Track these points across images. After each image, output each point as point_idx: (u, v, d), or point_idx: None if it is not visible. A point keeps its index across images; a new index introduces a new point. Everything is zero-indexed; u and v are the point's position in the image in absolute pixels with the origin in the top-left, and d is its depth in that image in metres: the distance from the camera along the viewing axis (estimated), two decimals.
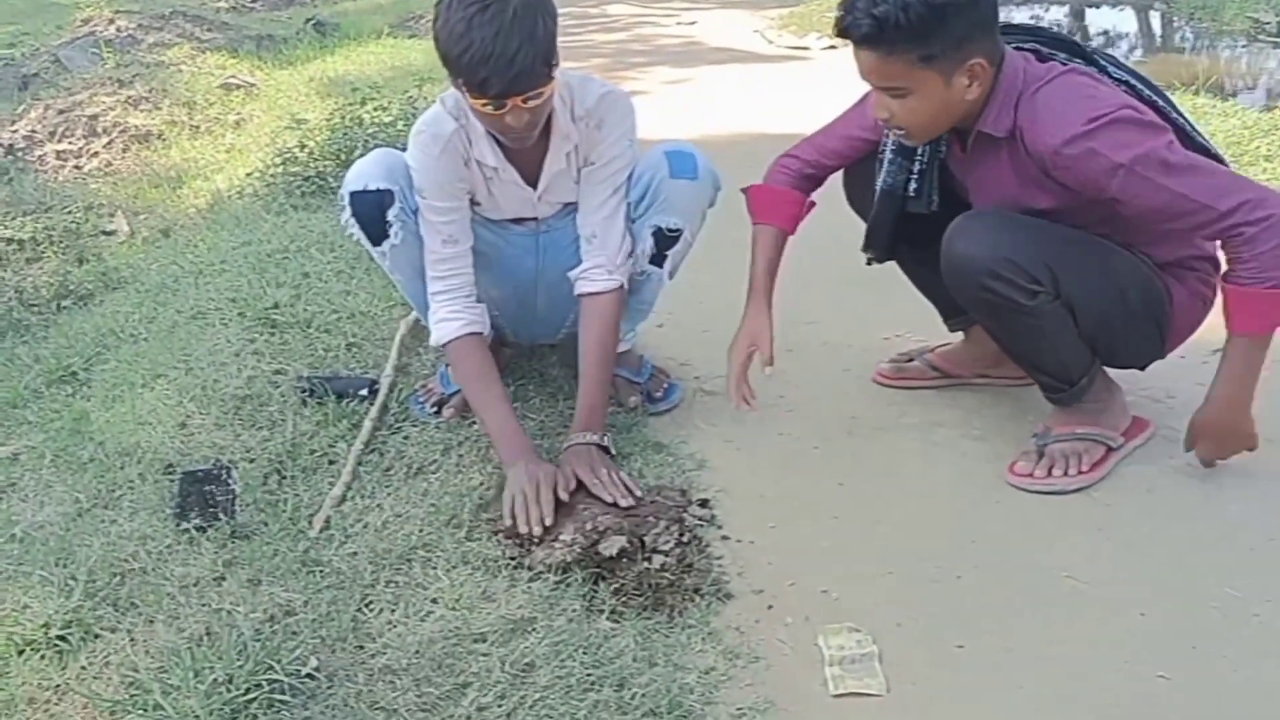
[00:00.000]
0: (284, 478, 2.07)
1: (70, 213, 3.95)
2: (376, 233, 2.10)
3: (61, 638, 1.65)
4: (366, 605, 1.74)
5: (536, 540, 1.84)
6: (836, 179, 2.21)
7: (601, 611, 1.71)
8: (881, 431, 2.25)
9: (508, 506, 1.90)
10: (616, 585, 1.76)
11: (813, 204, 2.17)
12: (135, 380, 2.45)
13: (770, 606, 1.75)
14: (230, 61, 6.39)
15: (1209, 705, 1.53)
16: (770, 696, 1.56)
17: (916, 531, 1.93)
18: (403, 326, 2.57)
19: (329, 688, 1.56)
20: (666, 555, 1.81)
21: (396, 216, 2.07)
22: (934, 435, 2.22)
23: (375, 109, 4.52)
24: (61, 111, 5.22)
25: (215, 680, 1.50)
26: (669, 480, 2.07)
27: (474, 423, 2.21)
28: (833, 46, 7.38)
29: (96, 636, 1.66)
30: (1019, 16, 8.19)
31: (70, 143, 5.00)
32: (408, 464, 2.11)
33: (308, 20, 8.09)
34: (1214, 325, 1.97)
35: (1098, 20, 8.64)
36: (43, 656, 1.62)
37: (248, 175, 4.22)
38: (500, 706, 1.52)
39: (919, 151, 2.00)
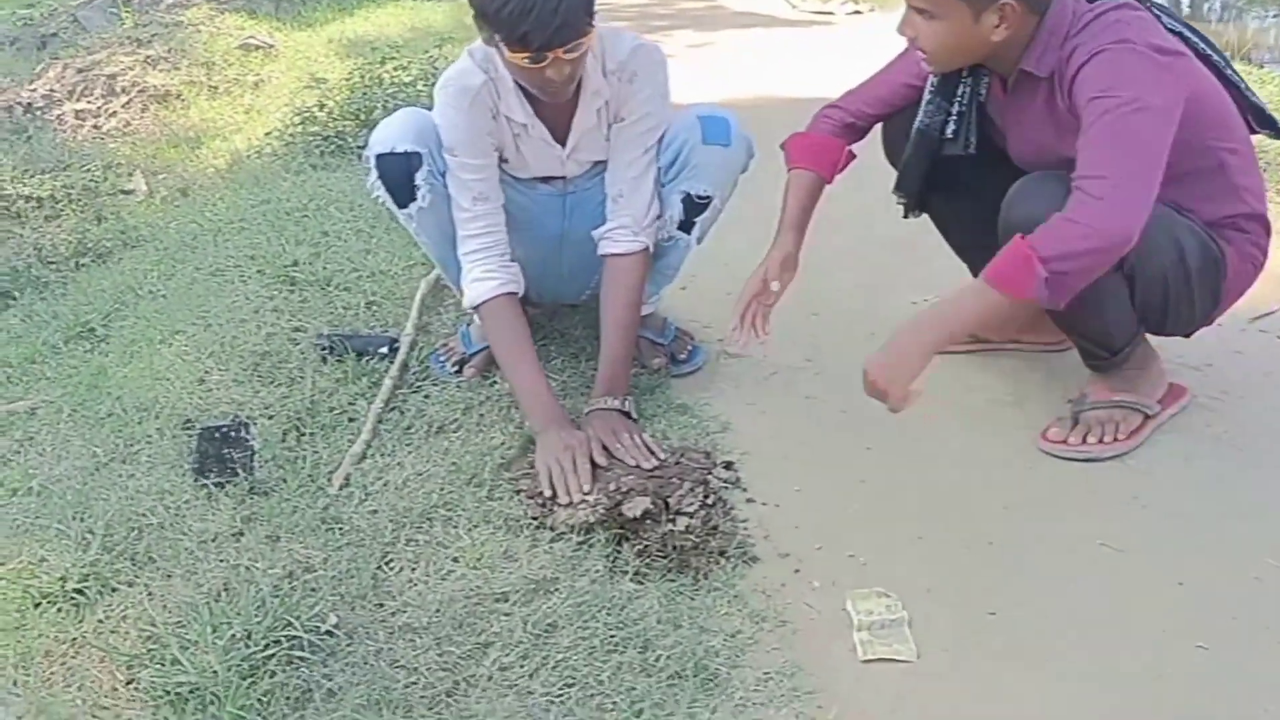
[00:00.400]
0: (303, 435, 2.04)
1: (89, 171, 3.91)
2: (403, 196, 2.05)
3: (79, 591, 1.63)
4: (387, 563, 1.71)
5: (561, 502, 1.81)
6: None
7: (625, 573, 1.68)
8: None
9: (544, 476, 1.85)
10: (640, 547, 1.72)
11: (853, 155, 2.11)
12: (154, 336, 2.42)
13: (797, 570, 1.72)
14: (249, 22, 6.32)
15: (1249, 677, 1.49)
16: (797, 661, 1.53)
17: (946, 496, 1.89)
18: (423, 285, 2.54)
19: (348, 645, 1.53)
20: (691, 517, 1.77)
21: (425, 179, 2.03)
22: (965, 400, 2.17)
23: (395, 69, 4.47)
24: (80, 71, 5.17)
25: (233, 635, 1.48)
26: (693, 442, 2.03)
27: (495, 382, 2.18)
28: (857, 11, 7.28)
29: (114, 590, 1.64)
30: None
31: (89, 102, 4.95)
32: (428, 422, 2.07)
33: None
34: (1256, 294, 1.91)
35: None
36: (59, 610, 1.60)
37: (266, 135, 4.18)
38: (523, 666, 1.50)
39: (958, 92, 1.94)
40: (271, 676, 1.45)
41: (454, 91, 1.98)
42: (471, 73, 1.97)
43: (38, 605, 1.61)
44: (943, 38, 1.78)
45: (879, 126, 2.13)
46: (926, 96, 1.98)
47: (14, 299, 2.91)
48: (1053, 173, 1.80)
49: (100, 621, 1.58)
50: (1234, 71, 1.81)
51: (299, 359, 2.27)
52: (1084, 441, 1.96)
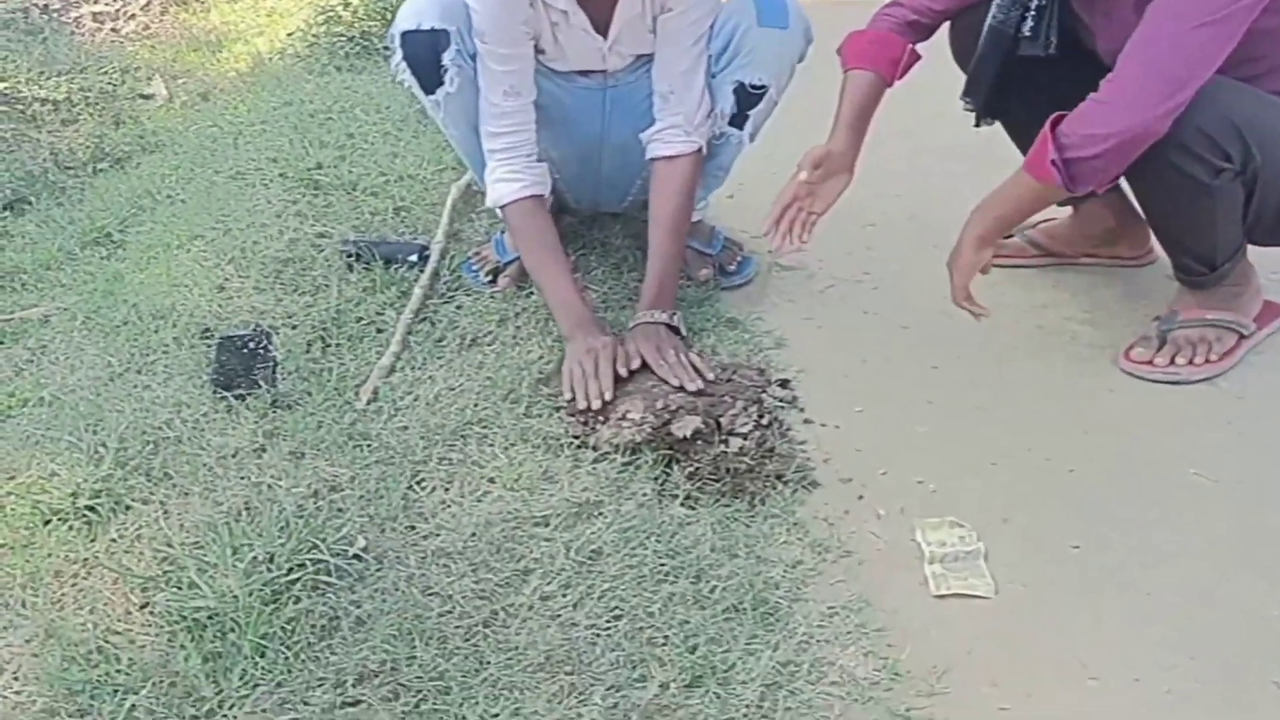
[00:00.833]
0: (328, 346, 1.92)
1: (106, 74, 3.79)
2: (430, 79, 1.89)
3: (90, 508, 1.52)
4: (418, 483, 1.60)
5: (602, 418, 1.68)
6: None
7: (675, 497, 1.56)
8: None
9: (566, 380, 1.76)
10: (691, 469, 1.60)
11: (917, 54, 1.92)
12: (171, 242, 2.30)
13: (860, 497, 1.59)
14: None
15: None
16: (864, 595, 1.41)
17: (1022, 419, 1.75)
18: (454, 190, 2.39)
19: (378, 570, 1.43)
20: (745, 438, 1.65)
21: (453, 60, 1.87)
22: (1038, 317, 2.01)
23: None
24: None
25: (255, 558, 1.38)
26: (745, 359, 1.89)
27: (531, 293, 2.04)
28: None
29: (127, 508, 1.54)
30: None
31: (107, 4, 4.81)
32: (461, 335, 1.95)
33: None
34: None
35: None
36: (70, 527, 1.50)
37: (289, 36, 4.02)
38: (565, 596, 1.38)
39: None
40: (295, 603, 1.35)
41: None
42: None
43: (47, 522, 1.51)
44: None
45: (946, 25, 1.94)
46: None
47: (29, 204, 2.79)
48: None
49: (113, 541, 1.48)
50: None
51: (323, 266, 2.14)
52: (1172, 362, 1.81)
